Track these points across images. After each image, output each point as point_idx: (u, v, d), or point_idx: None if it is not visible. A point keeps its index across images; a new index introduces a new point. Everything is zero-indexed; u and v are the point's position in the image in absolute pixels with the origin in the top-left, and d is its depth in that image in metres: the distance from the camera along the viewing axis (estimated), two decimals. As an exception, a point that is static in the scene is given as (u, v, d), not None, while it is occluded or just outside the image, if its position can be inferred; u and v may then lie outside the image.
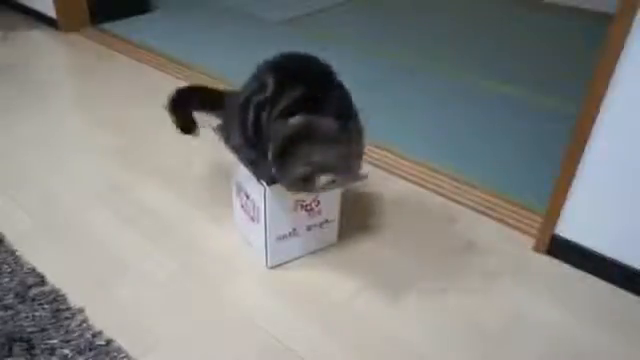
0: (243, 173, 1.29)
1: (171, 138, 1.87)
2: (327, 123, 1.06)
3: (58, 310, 1.18)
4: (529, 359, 1.15)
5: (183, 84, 2.24)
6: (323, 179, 1.03)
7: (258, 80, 1.19)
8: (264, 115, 1.11)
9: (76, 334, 1.13)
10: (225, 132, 1.27)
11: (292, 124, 1.06)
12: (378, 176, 1.70)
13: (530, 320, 1.23)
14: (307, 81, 1.12)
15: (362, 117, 1.18)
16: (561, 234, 1.37)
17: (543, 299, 1.29)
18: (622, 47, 1.12)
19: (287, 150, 1.05)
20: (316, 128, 1.05)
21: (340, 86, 1.17)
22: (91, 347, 1.10)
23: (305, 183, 1.05)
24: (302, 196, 1.25)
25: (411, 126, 2.01)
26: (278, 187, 1.20)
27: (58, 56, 2.61)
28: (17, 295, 1.22)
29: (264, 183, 1.20)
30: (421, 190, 1.65)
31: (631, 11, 1.09)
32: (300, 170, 1.03)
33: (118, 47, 2.59)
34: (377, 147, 1.84)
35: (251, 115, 1.14)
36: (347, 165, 1.06)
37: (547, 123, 2.03)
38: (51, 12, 2.73)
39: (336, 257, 1.38)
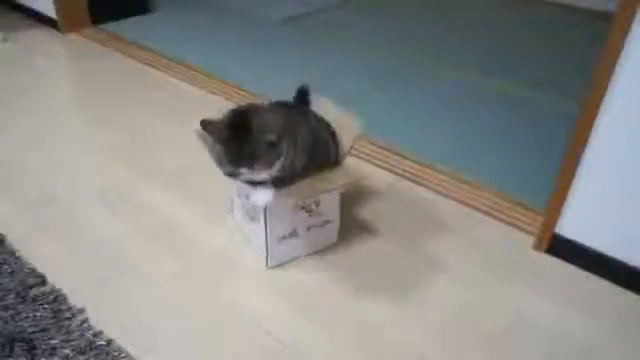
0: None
1: (171, 138, 1.87)
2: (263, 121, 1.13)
3: (59, 310, 1.18)
4: (529, 358, 1.15)
5: (183, 84, 2.26)
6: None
7: None
8: None
9: (77, 334, 1.13)
10: None
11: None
12: (379, 175, 1.70)
13: (530, 319, 1.23)
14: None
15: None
16: (561, 233, 1.37)
17: (543, 298, 1.29)
18: (622, 46, 1.12)
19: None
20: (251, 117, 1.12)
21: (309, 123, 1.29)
22: (92, 347, 1.10)
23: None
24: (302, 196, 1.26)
25: (412, 125, 2.01)
26: (278, 196, 1.21)
27: (58, 56, 2.60)
28: (18, 295, 1.22)
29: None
30: (422, 189, 1.65)
31: (631, 10, 1.09)
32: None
33: (118, 47, 2.59)
34: (378, 146, 1.84)
35: None
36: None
37: (548, 122, 2.03)
38: (51, 12, 2.73)
39: (336, 257, 1.38)
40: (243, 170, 1.10)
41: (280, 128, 1.11)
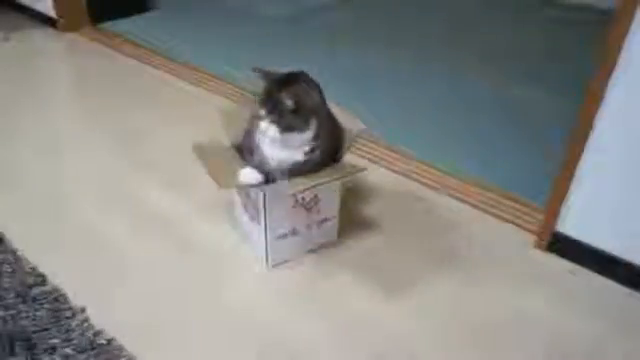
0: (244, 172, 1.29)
1: (171, 137, 1.87)
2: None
3: (59, 310, 1.19)
4: (529, 356, 1.15)
5: (183, 83, 2.25)
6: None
7: None
8: None
9: (77, 333, 1.13)
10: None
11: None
12: (379, 174, 1.70)
13: (530, 317, 1.23)
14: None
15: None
16: (562, 231, 1.37)
17: (544, 296, 1.29)
18: (622, 45, 1.12)
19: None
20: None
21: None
22: (92, 346, 1.10)
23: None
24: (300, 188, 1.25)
25: (411, 124, 2.01)
26: (278, 186, 1.21)
27: (57, 56, 2.61)
28: (18, 295, 1.22)
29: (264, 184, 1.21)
30: (422, 188, 1.65)
31: (631, 8, 1.09)
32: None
33: (118, 46, 2.59)
34: (377, 144, 1.84)
35: None
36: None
37: (547, 120, 2.02)
38: (51, 12, 2.73)
39: (336, 255, 1.38)
40: (262, 112, 1.16)
41: (306, 103, 1.17)
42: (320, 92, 1.24)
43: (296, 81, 1.19)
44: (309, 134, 1.19)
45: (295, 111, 1.15)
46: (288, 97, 1.14)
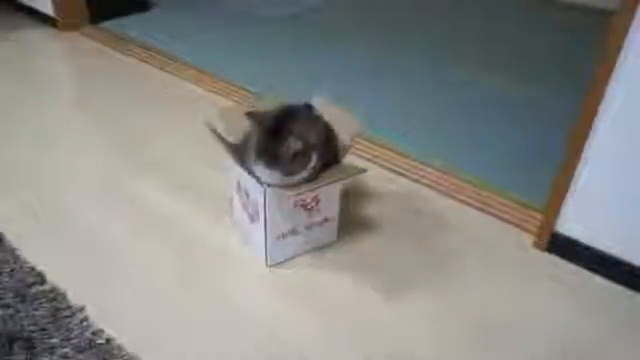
0: (244, 172, 1.29)
1: (171, 137, 1.87)
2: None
3: (58, 309, 1.18)
4: (529, 356, 1.15)
5: (183, 82, 2.25)
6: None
7: None
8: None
9: (76, 332, 1.13)
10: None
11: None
12: (378, 173, 1.70)
13: (530, 317, 1.23)
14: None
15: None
16: (561, 231, 1.37)
17: (543, 297, 1.29)
18: (622, 45, 1.12)
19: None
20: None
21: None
22: (91, 345, 1.10)
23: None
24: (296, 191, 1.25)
25: (411, 124, 2.01)
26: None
27: (57, 55, 2.60)
28: (17, 294, 1.22)
29: (264, 184, 1.20)
30: (421, 188, 1.65)
31: (631, 8, 1.09)
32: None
33: (117, 46, 2.59)
34: (377, 144, 1.83)
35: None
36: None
37: (547, 120, 2.02)
38: (50, 11, 2.73)
39: (336, 255, 1.38)
40: (261, 164, 1.15)
41: (308, 140, 1.16)
42: (312, 115, 1.23)
43: (291, 121, 1.18)
44: (310, 166, 1.19)
45: (296, 154, 1.15)
46: (288, 147, 1.13)
